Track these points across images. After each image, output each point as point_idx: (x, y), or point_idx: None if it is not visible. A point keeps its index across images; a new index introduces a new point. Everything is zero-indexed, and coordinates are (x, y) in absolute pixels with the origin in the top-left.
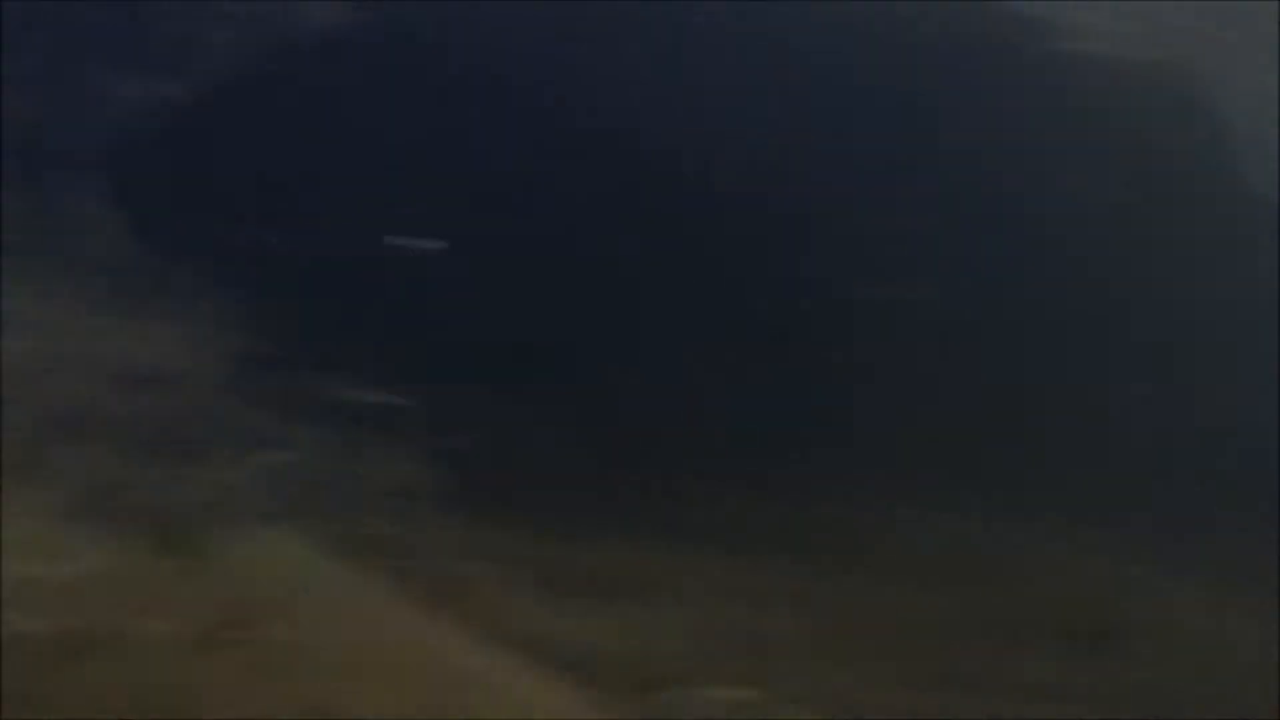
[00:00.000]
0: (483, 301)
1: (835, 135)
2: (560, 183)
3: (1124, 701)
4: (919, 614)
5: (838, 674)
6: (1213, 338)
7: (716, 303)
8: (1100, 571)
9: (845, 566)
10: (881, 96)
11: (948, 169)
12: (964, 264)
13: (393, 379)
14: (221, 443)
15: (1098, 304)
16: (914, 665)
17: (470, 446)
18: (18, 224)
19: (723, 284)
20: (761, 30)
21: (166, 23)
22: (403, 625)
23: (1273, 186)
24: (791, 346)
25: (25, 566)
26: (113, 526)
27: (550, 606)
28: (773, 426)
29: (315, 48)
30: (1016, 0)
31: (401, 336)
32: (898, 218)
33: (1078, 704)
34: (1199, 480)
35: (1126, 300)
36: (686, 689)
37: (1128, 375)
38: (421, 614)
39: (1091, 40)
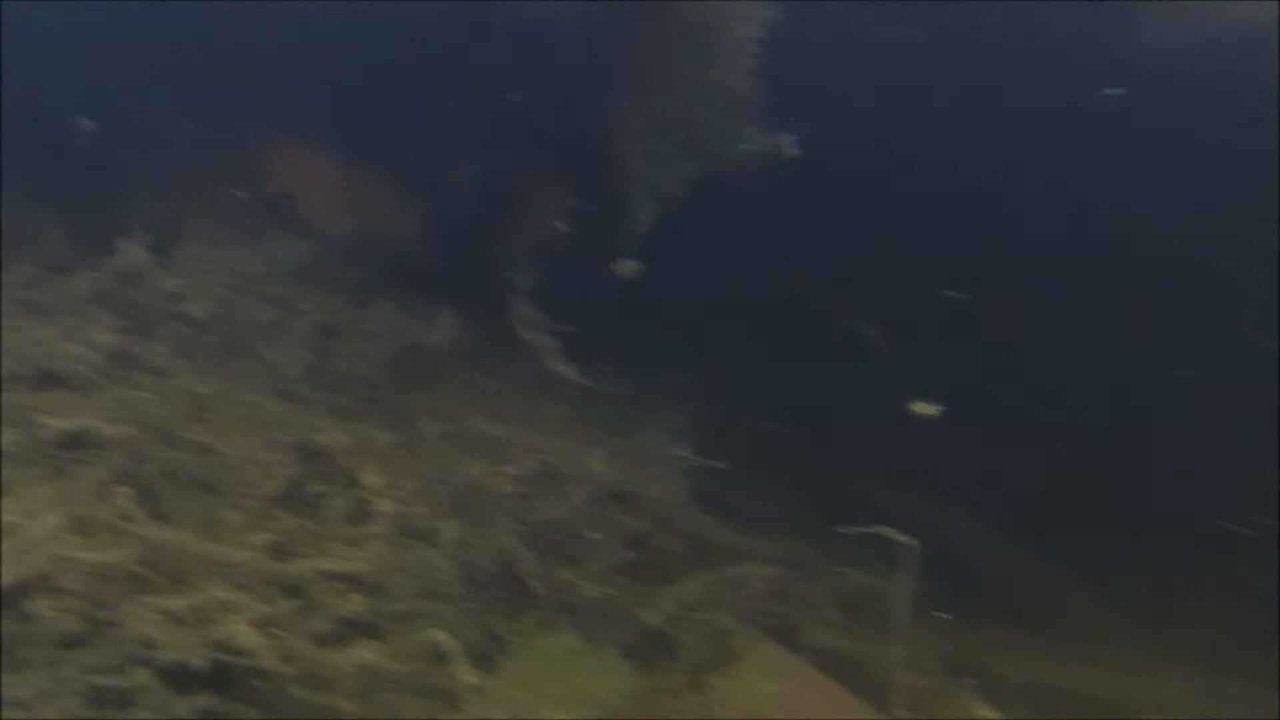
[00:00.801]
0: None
1: None
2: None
3: None
4: None
5: None
6: None
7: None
8: None
9: None
10: None
11: None
12: None
13: (861, 497)
14: (695, 560)
15: None
16: None
17: (947, 560)
18: (478, 348)
19: None
20: None
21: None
22: None
23: None
24: None
25: (521, 696)
26: (597, 649)
27: None
28: None
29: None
30: None
31: (875, 457)
32: None
33: None
34: None
35: None
36: None
37: None
38: None
39: None
